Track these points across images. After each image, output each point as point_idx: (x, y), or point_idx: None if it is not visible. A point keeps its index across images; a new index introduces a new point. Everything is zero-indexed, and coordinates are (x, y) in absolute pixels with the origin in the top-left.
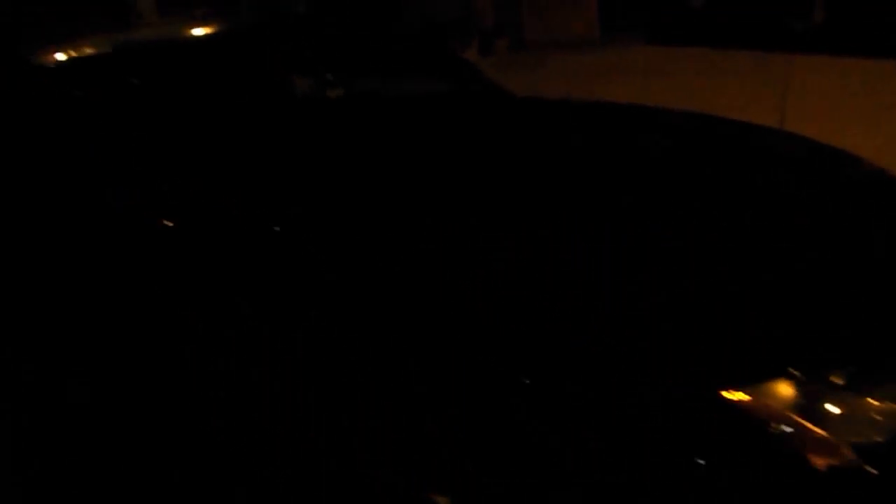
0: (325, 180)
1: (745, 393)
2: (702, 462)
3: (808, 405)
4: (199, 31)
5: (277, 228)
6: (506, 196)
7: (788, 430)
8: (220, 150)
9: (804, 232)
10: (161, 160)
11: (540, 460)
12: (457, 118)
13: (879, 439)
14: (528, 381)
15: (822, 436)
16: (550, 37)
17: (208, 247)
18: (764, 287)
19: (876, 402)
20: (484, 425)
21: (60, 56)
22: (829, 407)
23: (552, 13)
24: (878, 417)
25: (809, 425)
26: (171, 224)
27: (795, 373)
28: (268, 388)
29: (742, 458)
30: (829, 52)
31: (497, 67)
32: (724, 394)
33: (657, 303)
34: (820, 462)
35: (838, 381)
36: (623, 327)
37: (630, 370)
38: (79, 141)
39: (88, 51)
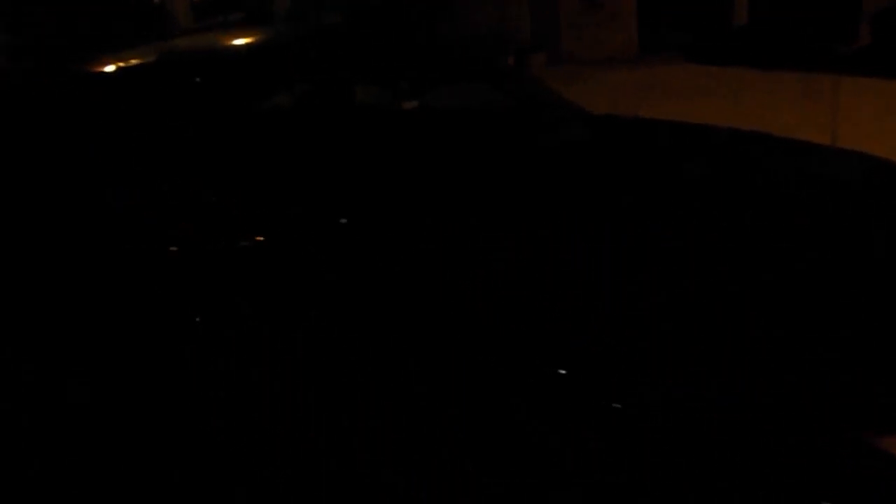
0: (357, 185)
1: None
2: None
3: None
4: (252, 39)
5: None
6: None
7: None
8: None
9: None
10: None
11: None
12: (537, 134)
13: None
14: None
15: None
16: (587, 53)
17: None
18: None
19: None
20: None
21: (110, 66)
22: None
23: (590, 29)
24: None
25: None
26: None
27: None
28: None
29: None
30: (876, 74)
31: None
32: (871, 439)
33: (803, 347)
34: None
35: None
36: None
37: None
38: (127, 144)
39: (136, 60)
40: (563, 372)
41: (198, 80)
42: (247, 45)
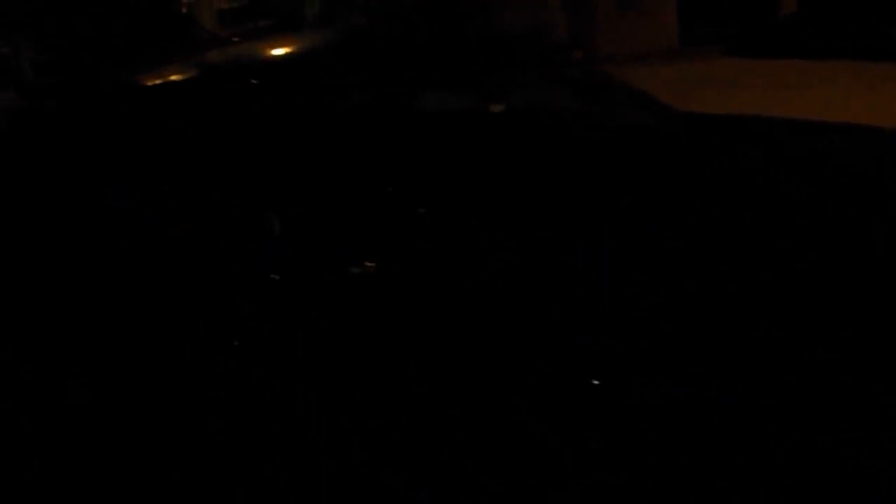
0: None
1: None
2: None
3: None
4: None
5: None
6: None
7: None
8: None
9: None
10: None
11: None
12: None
13: None
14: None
15: None
16: (624, 49)
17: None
18: None
19: None
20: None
21: (161, 78)
22: None
23: (628, 24)
24: None
25: None
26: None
27: None
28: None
29: None
30: None
31: None
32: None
33: None
34: None
35: None
36: None
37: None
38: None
39: (193, 71)
40: (596, 382)
41: (254, 82)
42: (303, 50)
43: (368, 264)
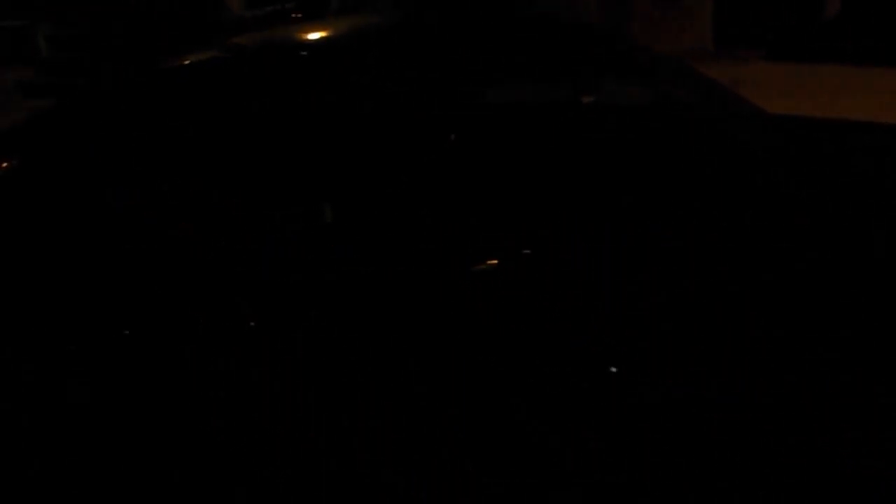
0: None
1: None
2: None
3: None
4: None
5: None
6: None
7: None
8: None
9: None
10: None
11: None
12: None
13: None
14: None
15: None
16: (659, 48)
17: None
18: None
19: None
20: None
21: (190, 60)
22: None
23: (663, 24)
24: None
25: None
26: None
27: None
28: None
29: None
30: None
31: None
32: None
33: None
34: None
35: None
36: None
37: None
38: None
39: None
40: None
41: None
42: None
43: (490, 262)
